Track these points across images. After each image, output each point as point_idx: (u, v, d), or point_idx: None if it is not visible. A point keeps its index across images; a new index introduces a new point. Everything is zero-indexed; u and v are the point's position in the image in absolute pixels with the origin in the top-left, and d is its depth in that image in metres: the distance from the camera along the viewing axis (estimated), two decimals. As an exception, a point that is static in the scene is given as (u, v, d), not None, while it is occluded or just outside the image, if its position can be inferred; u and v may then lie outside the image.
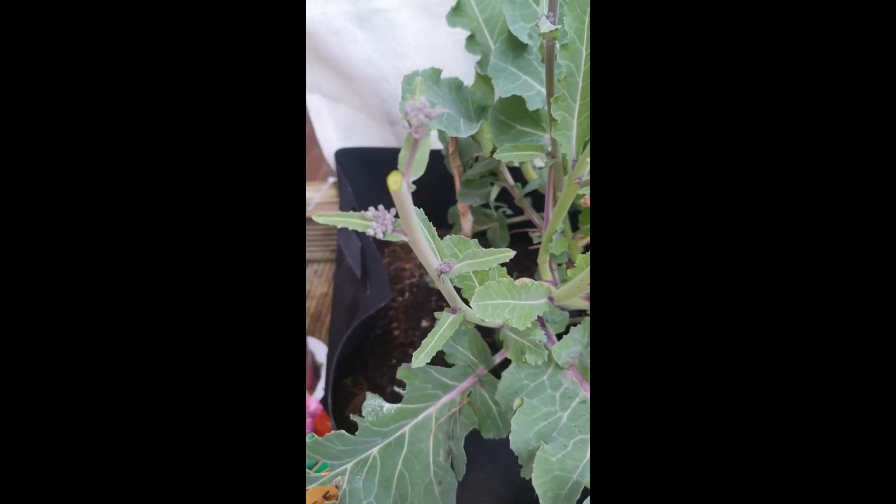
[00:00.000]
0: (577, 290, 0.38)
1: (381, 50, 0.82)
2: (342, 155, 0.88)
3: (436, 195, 0.75)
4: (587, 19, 0.39)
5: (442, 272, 0.36)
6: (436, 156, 0.75)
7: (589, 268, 0.34)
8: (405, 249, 0.93)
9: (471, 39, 0.61)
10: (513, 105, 0.52)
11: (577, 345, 0.47)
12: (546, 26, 0.38)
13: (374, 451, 0.53)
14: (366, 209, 0.84)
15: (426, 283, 0.86)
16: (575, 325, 0.51)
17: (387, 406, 0.53)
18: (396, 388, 0.54)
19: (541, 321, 0.53)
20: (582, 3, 0.39)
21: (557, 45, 0.40)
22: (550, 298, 0.42)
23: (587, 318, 0.50)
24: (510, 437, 0.43)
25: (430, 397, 0.55)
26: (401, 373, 0.53)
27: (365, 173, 0.89)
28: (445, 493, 0.49)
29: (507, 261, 0.35)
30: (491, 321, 0.37)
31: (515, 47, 0.50)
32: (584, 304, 0.56)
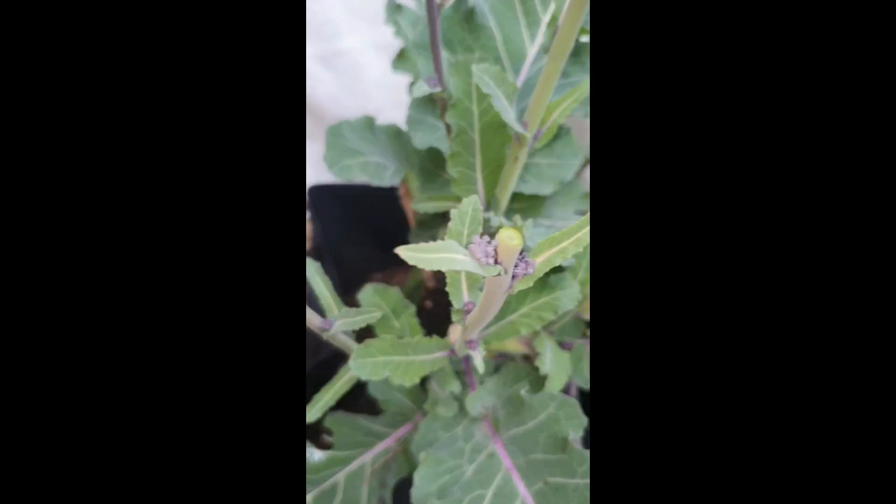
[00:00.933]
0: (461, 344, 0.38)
1: (347, 90, 0.84)
2: (315, 192, 0.90)
3: (404, 233, 0.76)
4: (473, 80, 0.39)
5: (323, 329, 0.37)
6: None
7: (462, 325, 0.34)
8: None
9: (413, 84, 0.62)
10: (439, 154, 0.53)
11: (490, 396, 0.47)
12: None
13: (309, 498, 0.53)
14: (334, 245, 0.84)
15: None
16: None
17: (318, 454, 0.54)
18: (325, 436, 0.55)
19: (468, 367, 0.53)
20: (467, 64, 0.39)
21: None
22: (452, 351, 0.42)
23: (505, 367, 0.50)
24: (411, 491, 0.42)
25: (363, 444, 0.55)
26: (328, 420, 0.53)
27: (337, 209, 0.90)
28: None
29: (374, 321, 0.35)
30: (372, 378, 0.38)
31: (433, 99, 0.50)
32: (516, 348, 0.56)
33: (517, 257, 0.25)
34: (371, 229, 0.93)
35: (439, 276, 0.83)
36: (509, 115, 0.34)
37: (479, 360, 0.34)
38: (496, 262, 0.22)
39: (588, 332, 0.55)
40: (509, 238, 0.22)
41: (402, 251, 0.19)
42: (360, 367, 0.37)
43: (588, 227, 0.23)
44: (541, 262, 0.24)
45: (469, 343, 0.35)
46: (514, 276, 0.24)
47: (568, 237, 0.24)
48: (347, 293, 0.90)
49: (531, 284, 0.25)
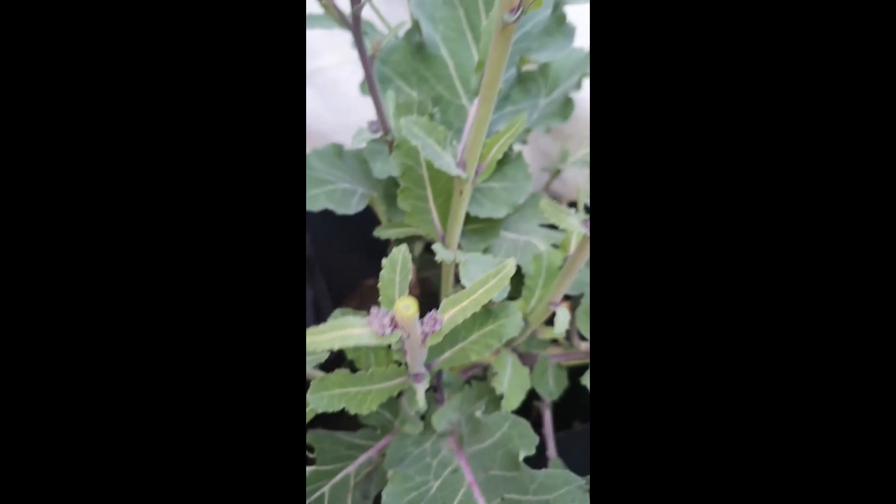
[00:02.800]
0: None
1: (328, 105, 0.86)
2: (303, 205, 0.92)
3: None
4: (416, 120, 0.41)
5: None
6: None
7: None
8: (370, 300, 0.96)
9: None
10: (401, 179, 0.55)
11: (455, 412, 0.49)
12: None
13: (294, 509, 0.56)
14: (324, 255, 0.86)
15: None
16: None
17: (302, 468, 0.56)
18: (308, 454, 0.57)
19: (439, 383, 0.56)
20: (409, 104, 0.41)
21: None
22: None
23: (469, 386, 0.52)
24: (380, 508, 0.45)
25: (346, 458, 0.58)
26: (308, 437, 0.56)
27: (324, 219, 0.92)
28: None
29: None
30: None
31: (391, 129, 0.52)
32: (487, 358, 0.58)
33: (427, 315, 0.27)
34: (360, 237, 0.95)
35: (424, 286, 0.86)
36: (443, 161, 0.36)
37: (421, 394, 0.37)
38: (395, 329, 0.24)
39: (551, 346, 0.57)
40: (405, 308, 0.24)
41: (311, 333, 0.21)
42: (317, 400, 0.39)
43: (486, 287, 0.25)
44: (447, 319, 0.26)
45: (415, 377, 0.37)
46: (425, 334, 0.27)
47: (468, 297, 0.26)
48: (339, 302, 0.93)
49: (441, 340, 0.27)
